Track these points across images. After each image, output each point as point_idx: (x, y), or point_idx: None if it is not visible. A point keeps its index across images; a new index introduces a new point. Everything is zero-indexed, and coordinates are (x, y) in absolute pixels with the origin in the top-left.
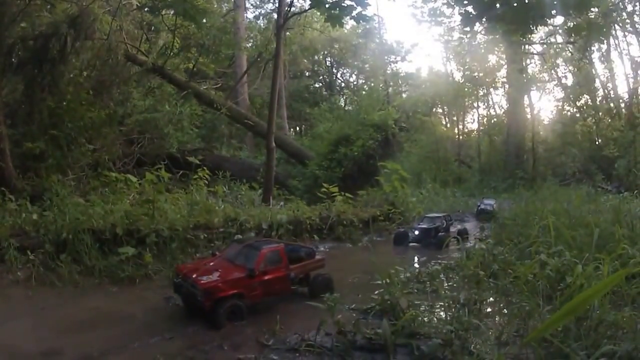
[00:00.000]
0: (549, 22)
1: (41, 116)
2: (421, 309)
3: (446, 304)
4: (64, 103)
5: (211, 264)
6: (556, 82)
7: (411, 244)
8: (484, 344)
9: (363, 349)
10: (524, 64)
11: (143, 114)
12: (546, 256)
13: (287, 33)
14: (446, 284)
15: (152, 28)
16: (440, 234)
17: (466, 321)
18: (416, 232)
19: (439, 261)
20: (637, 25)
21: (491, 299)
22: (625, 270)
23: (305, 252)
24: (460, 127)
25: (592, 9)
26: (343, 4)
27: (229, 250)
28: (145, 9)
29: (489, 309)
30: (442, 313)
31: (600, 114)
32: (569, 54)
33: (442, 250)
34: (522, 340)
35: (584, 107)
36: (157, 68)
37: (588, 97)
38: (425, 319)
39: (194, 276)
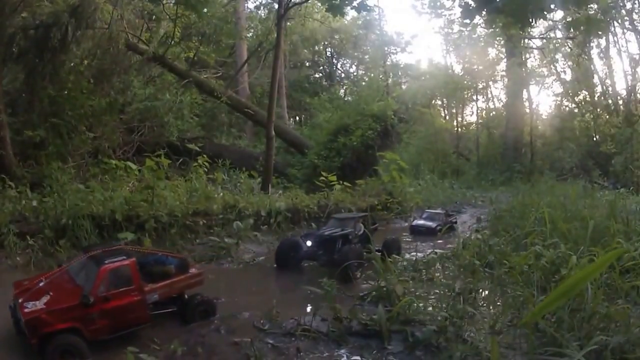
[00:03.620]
0: (548, 16)
1: (42, 104)
2: (416, 296)
3: (441, 292)
4: (65, 92)
5: (45, 282)
6: (555, 77)
7: (306, 261)
8: (478, 332)
9: (358, 334)
10: (523, 58)
11: (143, 103)
12: (541, 248)
13: (288, 23)
14: (441, 273)
15: (153, 17)
16: (350, 245)
17: (461, 309)
18: (309, 243)
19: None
20: (636, 23)
21: (486, 289)
22: (618, 251)
23: (175, 264)
24: (459, 119)
25: (592, 5)
26: None
27: (75, 261)
28: None
29: (483, 299)
30: (437, 301)
31: (599, 110)
32: (568, 49)
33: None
34: (517, 325)
35: (583, 103)
36: (158, 57)
37: (586, 93)
38: (421, 306)
39: (20, 301)
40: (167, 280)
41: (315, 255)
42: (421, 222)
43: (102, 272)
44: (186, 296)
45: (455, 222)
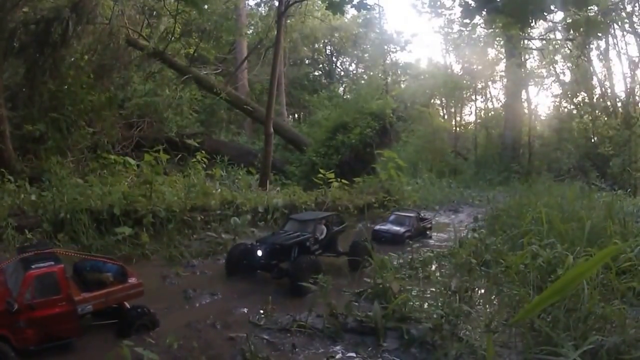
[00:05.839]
0: (548, 17)
1: (42, 99)
2: (412, 294)
3: (438, 291)
4: (65, 86)
5: None
6: (554, 78)
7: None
8: (474, 330)
9: (354, 331)
10: (522, 58)
11: (143, 98)
12: (538, 248)
13: (288, 21)
14: (438, 271)
15: (154, 13)
16: (305, 256)
17: (457, 308)
18: (259, 253)
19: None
20: (635, 26)
21: (482, 288)
22: (613, 248)
23: (113, 271)
24: (458, 119)
25: (592, 7)
26: None
27: (11, 261)
28: None
29: (479, 297)
30: (433, 299)
31: (597, 111)
32: (568, 51)
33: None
34: (511, 322)
35: (581, 105)
36: (158, 53)
37: (585, 95)
38: (417, 303)
39: None
40: (103, 290)
41: (269, 265)
42: (385, 226)
43: (27, 278)
44: (127, 306)
45: (430, 228)
